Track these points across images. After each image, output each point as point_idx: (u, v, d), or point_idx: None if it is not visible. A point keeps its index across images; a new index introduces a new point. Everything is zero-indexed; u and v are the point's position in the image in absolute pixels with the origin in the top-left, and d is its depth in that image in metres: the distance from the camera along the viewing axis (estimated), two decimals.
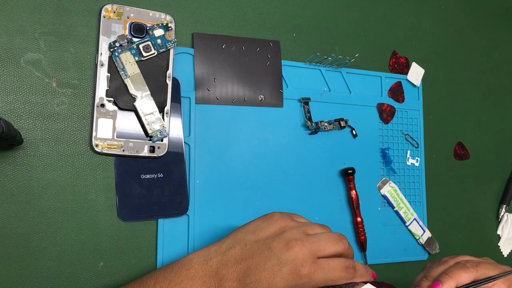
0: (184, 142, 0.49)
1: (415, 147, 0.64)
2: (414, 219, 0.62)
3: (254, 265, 0.37)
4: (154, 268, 0.46)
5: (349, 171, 0.56)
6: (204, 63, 0.51)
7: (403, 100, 0.64)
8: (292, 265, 0.36)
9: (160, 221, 0.47)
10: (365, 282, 0.39)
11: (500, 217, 0.72)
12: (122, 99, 0.45)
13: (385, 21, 0.65)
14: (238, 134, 0.52)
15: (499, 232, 0.72)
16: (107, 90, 0.45)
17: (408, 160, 0.63)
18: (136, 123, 0.46)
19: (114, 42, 0.45)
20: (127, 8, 0.46)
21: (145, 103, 0.46)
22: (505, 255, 0.71)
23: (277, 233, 0.39)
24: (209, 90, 0.51)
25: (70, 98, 0.45)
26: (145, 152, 0.46)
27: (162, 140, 0.47)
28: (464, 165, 0.69)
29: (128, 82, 0.45)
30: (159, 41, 0.47)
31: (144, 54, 0.46)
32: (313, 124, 0.55)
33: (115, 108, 0.45)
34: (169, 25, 0.48)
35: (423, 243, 0.62)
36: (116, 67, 0.45)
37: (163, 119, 0.47)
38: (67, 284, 0.43)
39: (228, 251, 0.38)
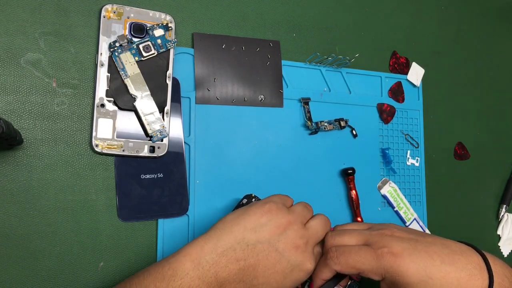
0: (184, 142, 0.49)
1: (415, 147, 0.64)
2: (414, 219, 0.62)
3: (262, 267, 0.37)
4: None
5: (349, 171, 0.56)
6: (204, 63, 0.51)
7: (403, 100, 0.64)
8: (301, 265, 0.39)
9: (160, 221, 0.47)
10: None
11: (500, 217, 0.72)
12: (122, 99, 0.45)
13: (385, 21, 0.65)
14: (238, 134, 0.52)
15: (499, 232, 0.72)
16: (107, 90, 0.45)
17: (408, 160, 0.63)
18: (136, 123, 0.46)
19: (114, 42, 0.45)
20: (127, 8, 0.46)
21: (145, 103, 0.46)
22: (505, 255, 0.71)
23: (279, 231, 0.38)
24: (209, 90, 0.51)
25: (70, 98, 0.45)
26: (145, 152, 0.46)
27: (162, 140, 0.47)
28: (464, 165, 0.69)
29: (128, 82, 0.45)
30: (159, 41, 0.47)
31: (144, 54, 0.46)
32: (313, 124, 0.55)
33: (115, 108, 0.45)
34: (169, 25, 0.48)
35: None
36: (116, 67, 0.45)
37: (163, 119, 0.47)
38: (67, 284, 0.43)
39: (226, 251, 0.36)
